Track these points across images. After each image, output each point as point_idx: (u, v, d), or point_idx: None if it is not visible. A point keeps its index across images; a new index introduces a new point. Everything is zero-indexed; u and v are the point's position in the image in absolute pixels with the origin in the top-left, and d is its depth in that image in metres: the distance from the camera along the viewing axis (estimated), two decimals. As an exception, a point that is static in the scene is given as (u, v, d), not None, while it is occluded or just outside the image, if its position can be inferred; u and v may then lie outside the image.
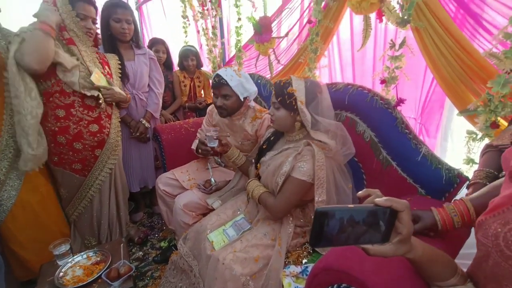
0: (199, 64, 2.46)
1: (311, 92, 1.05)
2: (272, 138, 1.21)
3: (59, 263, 1.17)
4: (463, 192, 0.96)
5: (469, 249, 0.97)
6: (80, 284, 1.06)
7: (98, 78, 1.38)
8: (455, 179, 0.97)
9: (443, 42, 1.05)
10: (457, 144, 1.37)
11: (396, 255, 0.47)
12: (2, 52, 1.23)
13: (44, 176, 1.42)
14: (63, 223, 1.51)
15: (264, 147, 1.21)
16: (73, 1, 1.32)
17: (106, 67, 1.51)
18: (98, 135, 1.44)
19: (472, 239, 0.90)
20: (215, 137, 1.27)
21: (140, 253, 1.73)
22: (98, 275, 1.09)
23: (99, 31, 1.64)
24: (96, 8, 1.43)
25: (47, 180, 1.44)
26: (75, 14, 1.31)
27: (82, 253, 1.23)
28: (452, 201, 0.77)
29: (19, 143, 1.24)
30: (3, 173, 1.26)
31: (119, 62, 1.60)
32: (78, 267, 1.15)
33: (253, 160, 1.27)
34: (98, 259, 1.20)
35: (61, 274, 1.11)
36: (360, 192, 0.49)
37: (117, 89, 1.49)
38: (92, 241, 1.59)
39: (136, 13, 3.55)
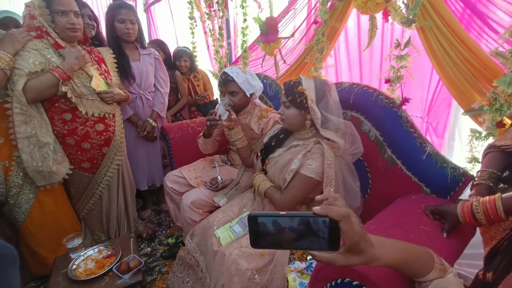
0: (192, 67, 2.41)
1: (320, 90, 1.08)
2: (281, 136, 1.23)
3: (72, 256, 1.21)
4: (469, 191, 0.96)
5: (474, 249, 0.98)
6: (92, 276, 1.10)
7: (98, 83, 1.41)
8: (460, 178, 0.98)
9: (448, 41, 1.05)
10: (465, 143, 1.36)
11: (350, 264, 0.46)
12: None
13: None
14: (74, 219, 1.56)
15: (272, 143, 1.23)
16: None
17: (102, 64, 1.53)
18: (104, 133, 1.48)
19: (477, 239, 0.91)
20: (227, 108, 1.26)
21: (149, 249, 1.77)
22: (110, 268, 1.14)
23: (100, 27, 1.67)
24: None
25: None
26: (48, 14, 1.25)
27: (94, 247, 1.27)
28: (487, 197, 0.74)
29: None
30: (20, 177, 1.31)
31: (114, 56, 1.61)
32: (90, 260, 1.20)
33: (258, 154, 1.28)
34: (109, 253, 1.25)
35: (74, 266, 1.16)
36: (318, 196, 0.49)
37: (116, 89, 1.51)
38: (102, 237, 1.64)
39: (144, 16, 3.62)
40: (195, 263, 1.20)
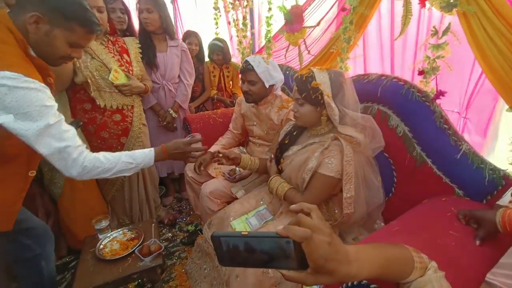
0: (226, 59, 2.46)
1: (336, 83, 1.02)
2: (294, 133, 1.19)
3: (100, 236, 1.29)
4: (508, 196, 0.86)
5: (510, 259, 0.89)
6: (117, 257, 1.17)
7: (116, 76, 1.43)
8: (500, 181, 0.88)
9: (495, 28, 0.93)
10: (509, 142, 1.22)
11: (321, 283, 0.43)
12: None
13: None
14: (102, 202, 1.66)
15: (286, 142, 1.19)
16: None
17: (125, 55, 1.55)
18: (121, 123, 1.53)
19: (514, 248, 0.82)
20: (219, 157, 1.30)
21: (169, 234, 1.85)
22: (132, 250, 1.20)
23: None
24: None
25: None
26: None
27: (119, 230, 1.34)
28: None
29: None
30: None
31: (139, 46, 1.64)
32: (115, 242, 1.27)
33: (272, 156, 1.26)
34: (133, 236, 1.31)
35: (101, 246, 1.24)
36: (292, 206, 0.47)
37: (135, 82, 1.53)
38: (126, 220, 1.73)
39: (170, 7, 3.67)
40: (212, 252, 1.23)
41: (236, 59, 2.75)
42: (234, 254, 0.43)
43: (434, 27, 1.15)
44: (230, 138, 1.74)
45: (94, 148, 1.53)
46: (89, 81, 1.38)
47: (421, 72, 1.21)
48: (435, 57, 1.16)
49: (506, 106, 1.17)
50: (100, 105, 1.44)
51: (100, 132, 1.50)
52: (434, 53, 1.16)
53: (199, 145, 1.15)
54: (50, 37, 0.85)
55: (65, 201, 1.51)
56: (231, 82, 2.61)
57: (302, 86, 1.03)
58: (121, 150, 1.56)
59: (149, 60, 1.74)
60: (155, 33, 1.78)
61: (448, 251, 0.72)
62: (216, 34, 2.72)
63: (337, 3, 1.69)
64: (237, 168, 1.50)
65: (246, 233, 0.42)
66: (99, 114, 1.48)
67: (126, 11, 1.72)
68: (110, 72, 1.43)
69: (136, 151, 1.05)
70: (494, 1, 0.94)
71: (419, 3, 1.18)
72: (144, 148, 1.64)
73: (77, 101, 1.44)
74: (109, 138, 1.53)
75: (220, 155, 1.27)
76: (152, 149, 1.08)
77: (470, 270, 0.69)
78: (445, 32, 1.11)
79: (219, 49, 2.40)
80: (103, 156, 0.95)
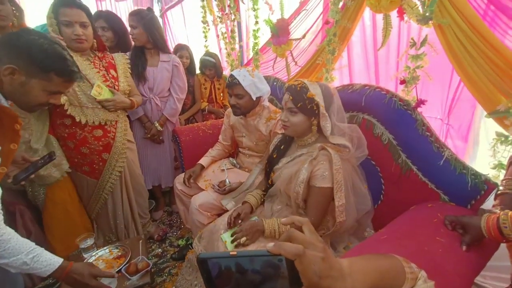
0: (219, 73, 2.49)
1: (327, 96, 1.05)
2: (282, 146, 1.20)
3: (84, 255, 1.24)
4: (491, 200, 0.88)
5: (500, 261, 0.90)
6: (102, 276, 1.12)
7: (99, 91, 1.39)
8: (482, 186, 0.90)
9: (468, 39, 0.98)
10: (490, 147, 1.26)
11: None
12: None
13: (68, 175, 1.53)
14: (86, 218, 1.61)
15: (274, 156, 1.20)
16: (56, 9, 1.27)
17: (112, 70, 1.51)
18: (103, 139, 1.47)
19: (501, 251, 0.83)
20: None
21: (159, 250, 1.80)
22: (119, 269, 1.15)
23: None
24: (85, 9, 1.33)
25: (70, 178, 1.54)
26: (56, 25, 1.28)
27: (105, 248, 1.30)
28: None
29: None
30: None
31: (129, 62, 1.61)
32: (101, 261, 1.22)
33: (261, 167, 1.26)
34: (120, 254, 1.26)
35: (85, 266, 1.19)
36: (284, 219, 0.46)
37: (120, 97, 1.48)
38: (112, 238, 1.67)
39: (160, 20, 3.72)
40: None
41: (225, 71, 2.78)
42: (225, 278, 0.40)
43: (412, 38, 1.20)
44: (220, 149, 1.73)
45: (75, 164, 1.49)
46: (64, 99, 1.34)
47: (402, 82, 1.25)
48: (415, 67, 1.20)
49: (485, 113, 1.22)
50: (81, 121, 1.39)
51: (80, 147, 1.44)
52: (413, 63, 1.20)
53: (112, 284, 1.03)
54: (26, 88, 0.84)
55: (46, 215, 1.46)
56: (221, 94, 2.63)
57: (298, 96, 1.04)
58: (103, 166, 1.51)
59: (138, 72, 1.75)
60: (146, 48, 1.80)
61: (436, 258, 0.72)
62: (206, 46, 2.75)
63: (321, 16, 1.75)
64: (227, 180, 1.49)
65: (235, 252, 0.39)
66: (79, 129, 1.42)
67: (112, 28, 1.73)
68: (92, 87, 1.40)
69: (47, 254, 0.86)
70: (466, 14, 1.00)
71: (397, 16, 1.24)
72: (130, 165, 1.63)
73: (57, 115, 1.40)
74: (89, 154, 1.47)
75: (239, 220, 1.18)
76: (60, 262, 0.88)
77: (457, 276, 0.70)
78: (423, 43, 1.16)
79: (212, 65, 2.43)
80: (9, 241, 0.79)
